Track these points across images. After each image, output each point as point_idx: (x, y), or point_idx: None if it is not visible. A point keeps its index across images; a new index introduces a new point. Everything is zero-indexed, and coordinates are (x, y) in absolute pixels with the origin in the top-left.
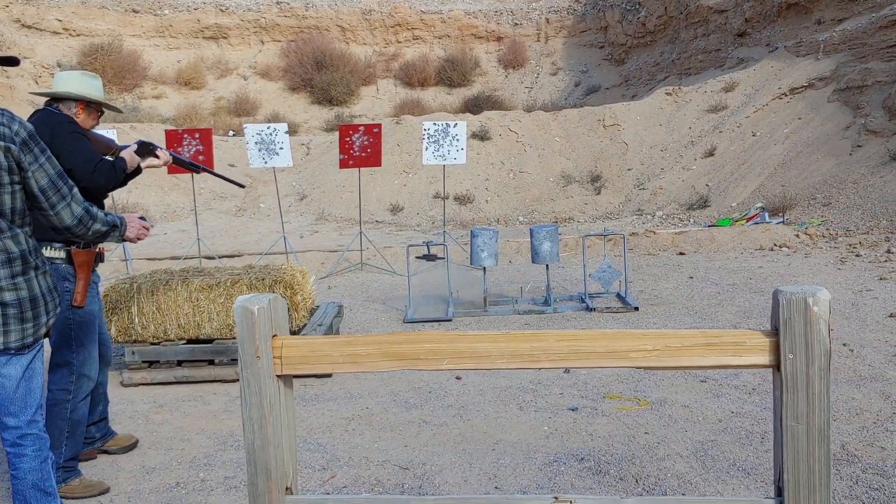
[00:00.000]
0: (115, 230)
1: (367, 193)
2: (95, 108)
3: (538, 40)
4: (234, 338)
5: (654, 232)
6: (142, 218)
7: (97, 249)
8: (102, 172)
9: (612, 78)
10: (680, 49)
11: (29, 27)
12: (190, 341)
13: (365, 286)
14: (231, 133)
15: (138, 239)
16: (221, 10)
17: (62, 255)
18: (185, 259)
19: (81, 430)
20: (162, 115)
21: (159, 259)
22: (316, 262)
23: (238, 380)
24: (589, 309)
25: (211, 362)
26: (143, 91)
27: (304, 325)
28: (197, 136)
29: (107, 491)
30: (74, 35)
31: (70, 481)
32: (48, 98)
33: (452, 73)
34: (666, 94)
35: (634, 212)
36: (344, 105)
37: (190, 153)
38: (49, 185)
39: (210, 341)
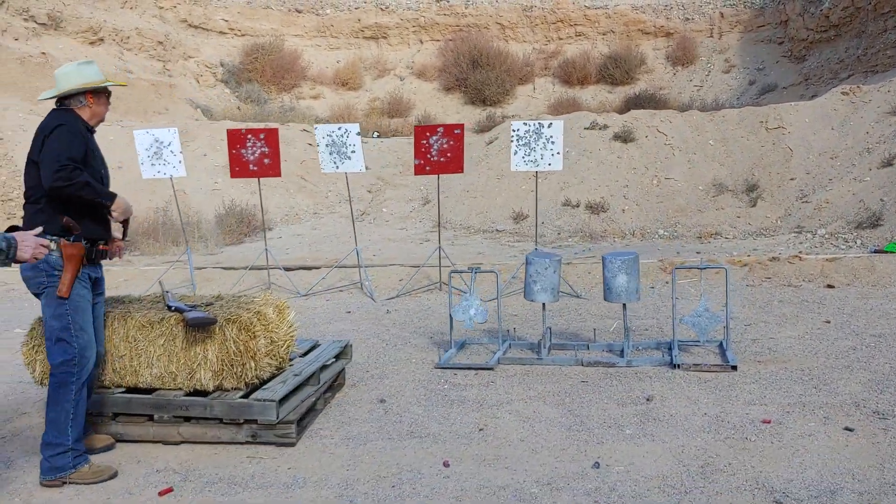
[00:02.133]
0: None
1: (492, 199)
2: (101, 91)
3: (711, 36)
4: (179, 388)
5: (800, 258)
6: (41, 234)
7: (89, 244)
8: (64, 177)
9: (791, 76)
10: (867, 44)
11: (195, 27)
12: (129, 390)
13: (427, 313)
14: (375, 134)
15: (35, 259)
16: (382, 10)
17: (53, 246)
18: (249, 269)
19: (83, 412)
20: (317, 115)
21: (235, 269)
22: (394, 278)
23: (182, 442)
24: (673, 365)
25: (150, 418)
26: (301, 91)
27: (276, 375)
28: (262, 136)
29: (115, 475)
30: (239, 35)
31: (80, 467)
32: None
33: (615, 71)
34: (842, 93)
35: (793, 229)
36: (497, 105)
37: (255, 155)
38: None
39: (151, 391)
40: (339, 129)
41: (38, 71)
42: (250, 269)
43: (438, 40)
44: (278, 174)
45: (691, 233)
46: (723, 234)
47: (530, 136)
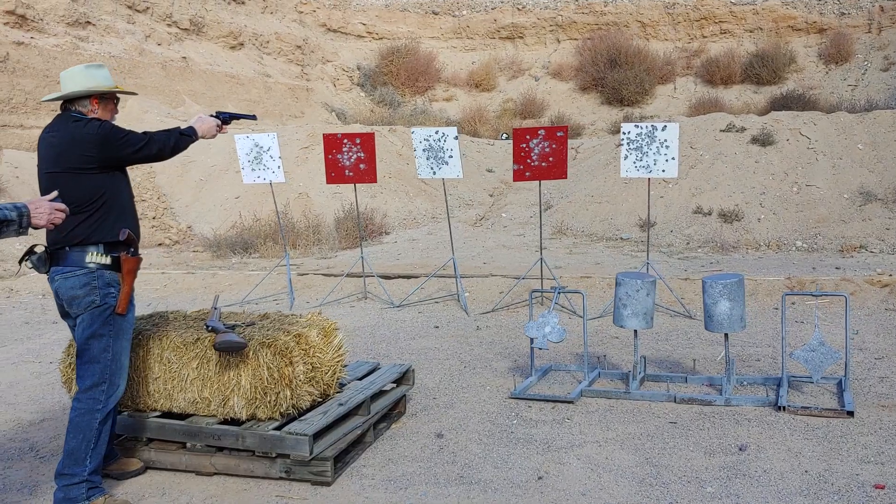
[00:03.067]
0: (10, 225)
1: (618, 205)
2: (110, 97)
3: (868, 31)
4: (213, 415)
5: None
6: (56, 199)
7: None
8: (156, 144)
9: None
10: None
11: (334, 31)
12: (165, 415)
13: (519, 331)
14: (503, 136)
15: (53, 225)
16: (518, 9)
17: (108, 261)
18: (346, 276)
19: (105, 443)
20: (449, 117)
21: (335, 275)
22: (495, 290)
23: (215, 474)
24: (778, 407)
25: (183, 446)
26: (434, 93)
27: (320, 403)
28: (358, 141)
29: None
30: (377, 38)
31: (94, 499)
32: (62, 102)
33: (761, 70)
34: None
35: None
36: (635, 105)
37: (351, 161)
38: None
39: (185, 417)
40: (437, 132)
41: (178, 75)
42: (346, 275)
43: (576, 39)
44: (374, 180)
45: (833, 245)
46: (868, 247)
47: (642, 140)
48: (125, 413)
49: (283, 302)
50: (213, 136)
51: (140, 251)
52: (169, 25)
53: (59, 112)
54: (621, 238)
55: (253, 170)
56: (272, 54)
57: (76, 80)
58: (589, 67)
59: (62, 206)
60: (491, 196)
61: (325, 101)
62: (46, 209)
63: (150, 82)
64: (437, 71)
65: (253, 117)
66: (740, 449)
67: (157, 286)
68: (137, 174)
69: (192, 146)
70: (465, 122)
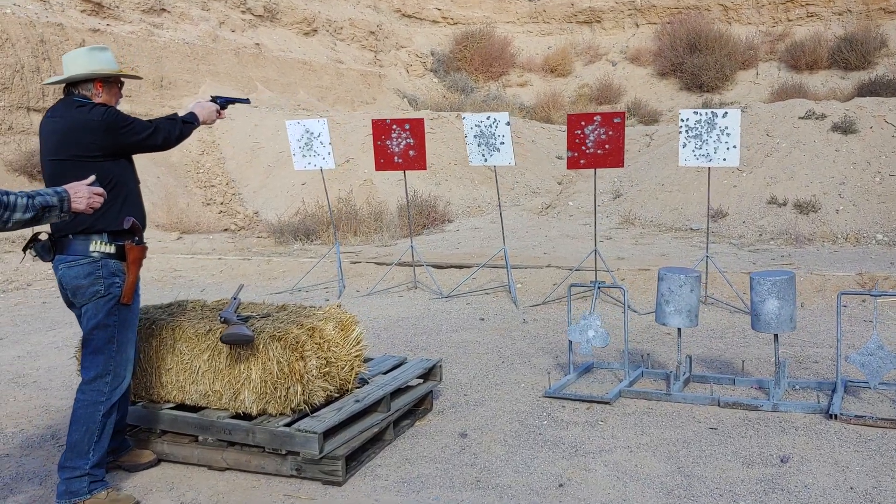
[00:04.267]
0: (52, 211)
1: (688, 195)
2: (114, 81)
3: None
4: (225, 408)
5: None
6: (94, 184)
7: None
8: (161, 133)
9: None
10: None
11: (409, 16)
12: (178, 407)
13: (567, 326)
14: None
15: (92, 209)
16: None
17: (112, 249)
18: (395, 265)
19: (109, 435)
20: (523, 103)
21: (387, 264)
22: (548, 281)
23: (227, 469)
24: (828, 415)
25: (196, 439)
26: (508, 79)
27: (337, 399)
28: (407, 127)
29: None
30: (451, 23)
31: (96, 493)
32: (65, 85)
33: (850, 55)
34: None
35: None
36: (715, 91)
37: (400, 147)
38: None
39: (198, 409)
40: (488, 118)
41: (251, 61)
42: (397, 264)
43: (655, 23)
44: (423, 167)
45: None
46: None
47: (702, 127)
48: (139, 404)
49: (333, 290)
50: (213, 122)
51: (207, 236)
52: (243, 12)
53: (61, 96)
54: (691, 229)
55: (304, 156)
56: (345, 40)
57: (79, 62)
58: (668, 52)
59: (100, 189)
60: (559, 184)
61: (397, 88)
62: (85, 193)
63: (224, 69)
64: (511, 56)
65: (247, 101)
66: (782, 460)
67: (213, 272)
68: (208, 160)
69: (260, 132)
70: (539, 107)
